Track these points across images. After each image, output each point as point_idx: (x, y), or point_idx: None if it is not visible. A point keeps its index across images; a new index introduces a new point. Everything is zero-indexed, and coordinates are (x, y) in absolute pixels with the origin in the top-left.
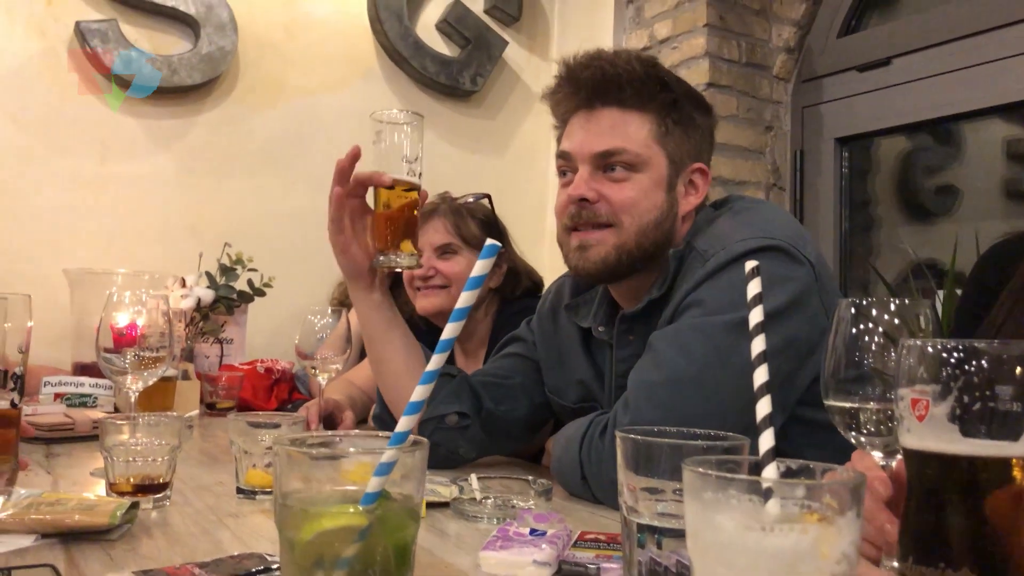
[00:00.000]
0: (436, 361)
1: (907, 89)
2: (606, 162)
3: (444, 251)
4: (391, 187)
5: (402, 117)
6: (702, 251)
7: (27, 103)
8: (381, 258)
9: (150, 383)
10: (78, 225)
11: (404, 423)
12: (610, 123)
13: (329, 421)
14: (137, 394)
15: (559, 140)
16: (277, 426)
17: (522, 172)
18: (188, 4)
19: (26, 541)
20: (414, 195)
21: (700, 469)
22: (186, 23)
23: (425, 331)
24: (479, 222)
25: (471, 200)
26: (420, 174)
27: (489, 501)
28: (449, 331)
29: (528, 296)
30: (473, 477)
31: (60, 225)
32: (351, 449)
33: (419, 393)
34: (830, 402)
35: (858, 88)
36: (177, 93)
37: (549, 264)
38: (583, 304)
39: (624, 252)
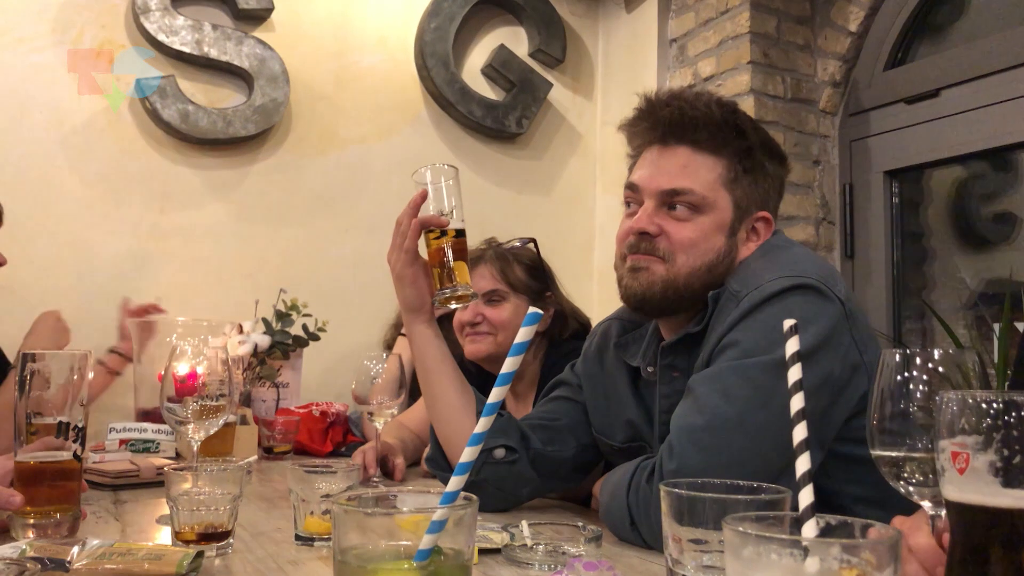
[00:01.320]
0: (496, 394)
1: (957, 120)
2: (671, 200)
3: (491, 298)
4: (445, 230)
5: (441, 173)
6: (735, 292)
7: (91, 158)
8: (447, 292)
9: (212, 432)
10: (140, 274)
11: (467, 453)
12: (681, 162)
13: (383, 465)
14: (199, 443)
15: (630, 170)
16: (334, 473)
17: (568, 211)
18: (242, 58)
19: None
20: (463, 238)
21: (740, 528)
22: (240, 76)
23: (475, 373)
24: (525, 267)
25: (517, 245)
26: (463, 219)
27: (540, 548)
28: (495, 395)
29: (576, 338)
30: (524, 524)
31: (123, 275)
32: (405, 508)
33: (481, 425)
34: (876, 452)
35: (907, 120)
36: (232, 144)
37: (598, 302)
38: (632, 343)
39: (670, 287)
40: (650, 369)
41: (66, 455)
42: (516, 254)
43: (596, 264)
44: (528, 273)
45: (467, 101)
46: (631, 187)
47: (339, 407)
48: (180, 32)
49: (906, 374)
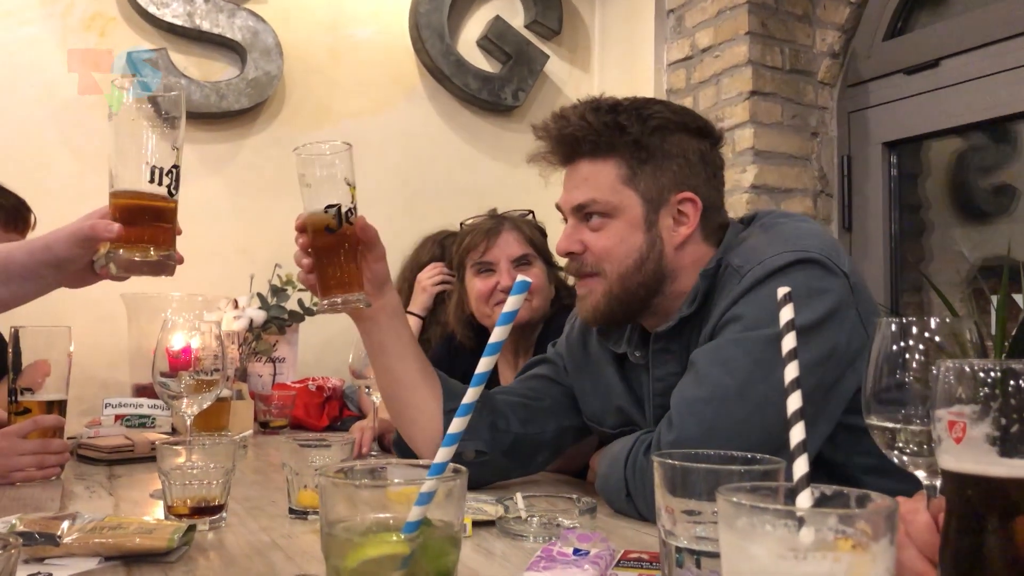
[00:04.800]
0: (472, 394)
1: (957, 91)
2: (583, 213)
3: (520, 262)
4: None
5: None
6: (737, 267)
7: (83, 131)
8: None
9: (204, 406)
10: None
11: (442, 454)
12: (583, 175)
13: (380, 441)
14: (192, 417)
15: None
16: (328, 446)
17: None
18: (235, 31)
19: (91, 564)
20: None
21: (734, 498)
22: (233, 49)
23: (474, 348)
24: (540, 232)
25: (523, 214)
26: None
27: (535, 519)
28: (484, 364)
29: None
30: (519, 496)
31: None
32: (394, 480)
33: (456, 425)
34: (871, 420)
35: (906, 91)
36: (226, 118)
37: None
38: (614, 330)
39: (612, 298)
40: (637, 354)
41: (161, 190)
42: (527, 220)
43: None
44: (543, 237)
45: (462, 74)
46: (559, 208)
47: (335, 382)
48: (171, 4)
49: (902, 343)
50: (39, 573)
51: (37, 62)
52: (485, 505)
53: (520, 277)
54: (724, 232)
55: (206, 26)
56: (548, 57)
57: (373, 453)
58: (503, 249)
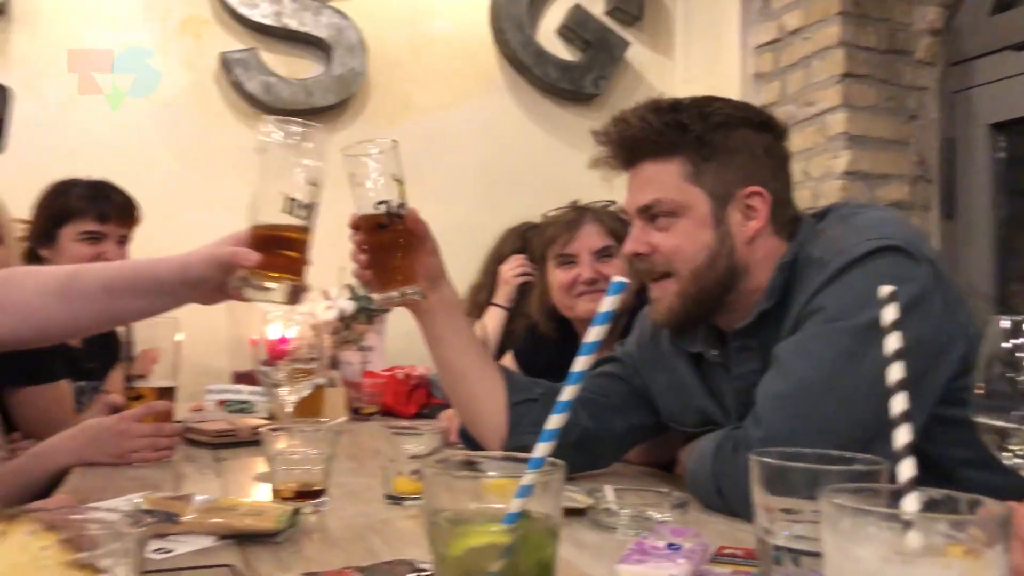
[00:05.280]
0: (570, 392)
1: None
2: (649, 214)
3: (603, 254)
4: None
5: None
6: (817, 258)
7: (181, 132)
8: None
9: (304, 394)
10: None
11: (542, 449)
12: (646, 177)
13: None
14: (293, 405)
15: None
16: (420, 435)
17: None
18: (320, 28)
19: (207, 541)
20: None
21: (838, 500)
22: (319, 47)
23: (557, 340)
24: (622, 223)
25: (605, 204)
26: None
27: (625, 512)
28: (580, 364)
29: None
30: (608, 488)
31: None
32: (495, 472)
33: (555, 422)
34: (980, 419)
35: (1015, 69)
36: (313, 114)
37: None
38: (688, 329)
39: (687, 298)
40: (714, 353)
41: (298, 223)
42: (609, 212)
43: None
44: (625, 229)
45: (542, 63)
46: (623, 212)
47: (422, 370)
48: (260, 4)
49: (1015, 341)
50: (161, 548)
51: (137, 66)
52: (575, 494)
53: (617, 279)
54: (796, 226)
55: (293, 24)
56: (629, 44)
57: (461, 440)
58: (584, 241)
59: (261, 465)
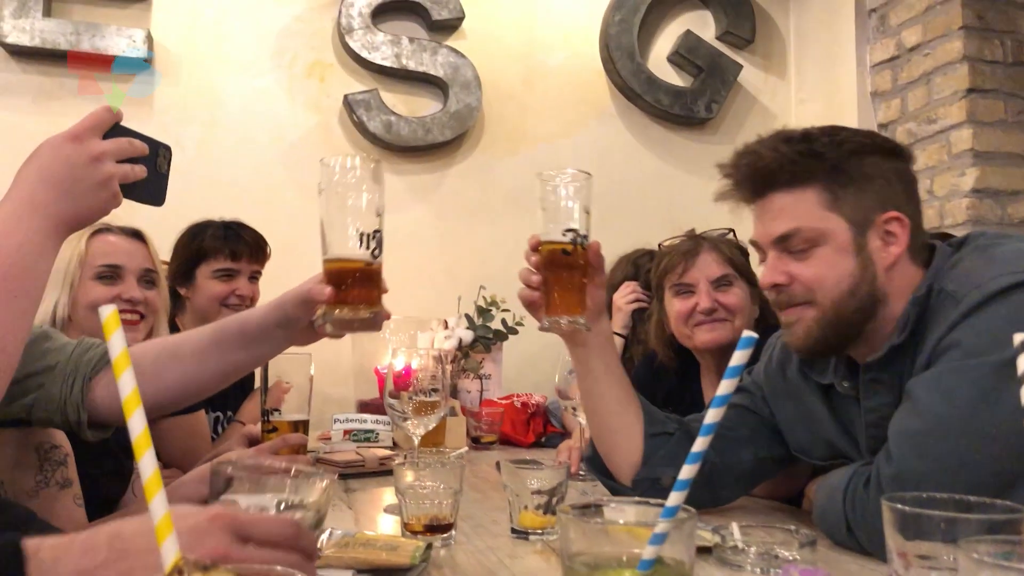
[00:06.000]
0: (700, 443)
1: None
2: (787, 244)
3: (721, 283)
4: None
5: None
6: (951, 292)
7: (308, 170)
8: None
9: (430, 427)
10: None
11: (675, 498)
12: (779, 206)
13: None
14: (419, 437)
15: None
16: (543, 469)
17: None
18: (437, 67)
19: (345, 575)
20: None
21: (976, 555)
22: (436, 85)
23: (676, 369)
24: (740, 251)
25: (723, 232)
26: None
27: (752, 550)
28: (711, 416)
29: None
30: (734, 526)
31: None
32: (629, 518)
33: (686, 472)
34: None
35: None
36: (431, 150)
37: None
38: (819, 360)
39: (826, 325)
40: (846, 384)
41: (366, 254)
42: (727, 240)
43: None
44: (744, 257)
45: (654, 90)
46: (753, 244)
47: (538, 398)
48: (381, 47)
49: None
50: None
51: (268, 109)
52: (702, 531)
53: (746, 333)
54: (930, 253)
55: (412, 65)
56: (741, 67)
57: (581, 473)
58: (702, 270)
59: (389, 495)
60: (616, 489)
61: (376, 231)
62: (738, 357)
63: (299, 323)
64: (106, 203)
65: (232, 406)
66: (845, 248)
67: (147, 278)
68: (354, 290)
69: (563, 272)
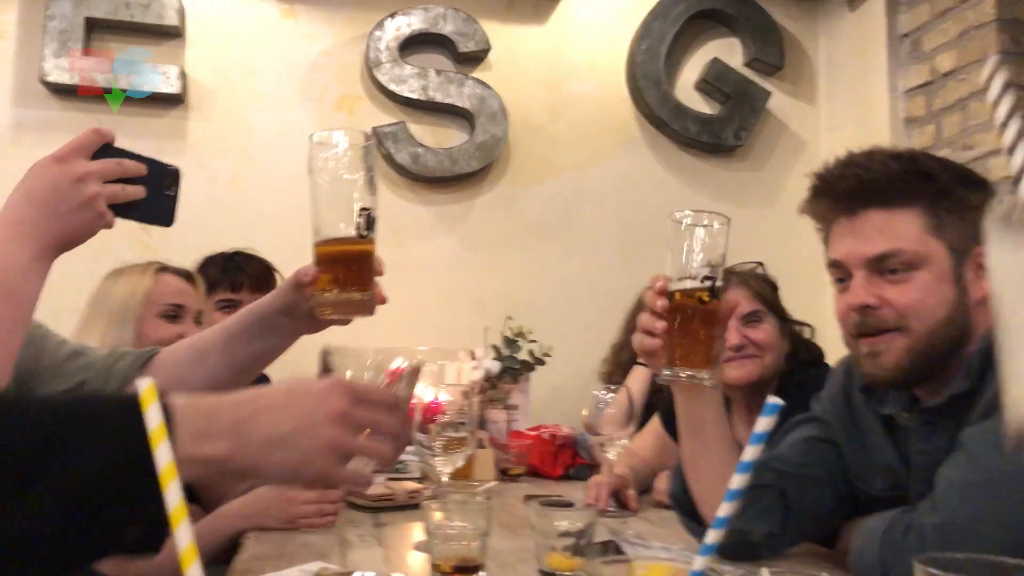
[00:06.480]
0: (739, 480)
1: None
2: (882, 265)
3: (750, 319)
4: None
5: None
6: None
7: None
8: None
9: (458, 465)
10: (383, 306)
11: (713, 536)
12: (878, 225)
13: (616, 497)
14: (448, 476)
15: (825, 245)
16: (572, 509)
17: (794, 222)
18: (464, 99)
19: None
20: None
21: None
22: (463, 116)
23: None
24: (770, 286)
25: (752, 267)
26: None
27: None
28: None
29: (807, 365)
30: (765, 571)
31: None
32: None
33: (725, 510)
34: None
35: None
36: (457, 180)
37: (831, 316)
38: (883, 390)
39: (917, 354)
40: (906, 415)
41: (352, 233)
42: (756, 274)
43: (827, 275)
44: (773, 291)
45: (681, 118)
46: (835, 264)
47: (567, 430)
48: (408, 80)
49: None
50: None
51: (299, 142)
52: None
53: (771, 399)
54: None
55: (439, 97)
56: (770, 94)
57: (611, 509)
58: (730, 306)
59: (418, 530)
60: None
61: (365, 209)
62: (763, 424)
63: (297, 309)
64: (91, 223)
65: None
66: (944, 275)
67: (198, 319)
68: (344, 271)
69: (694, 322)
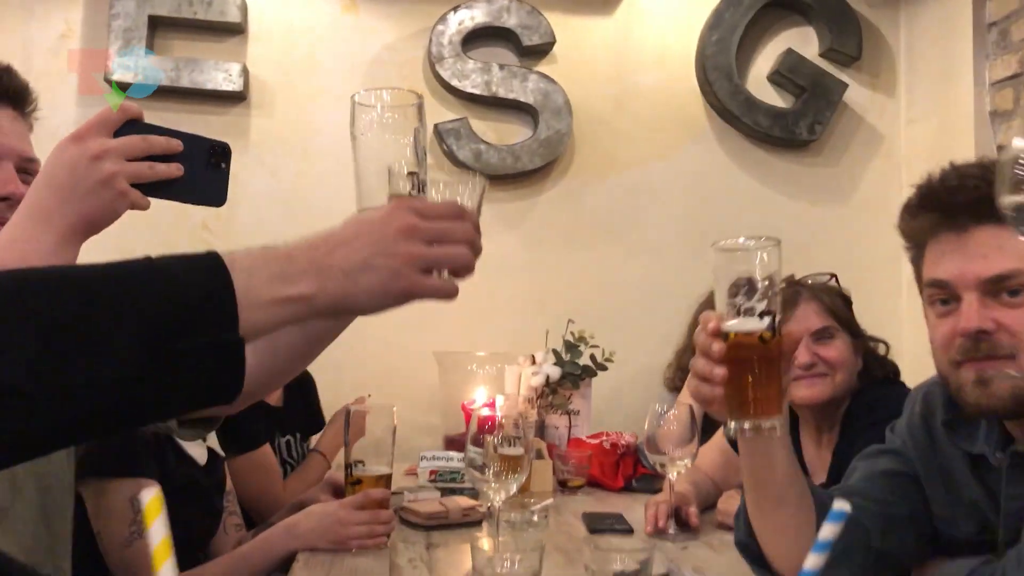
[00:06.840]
0: (813, 561)
1: None
2: (998, 287)
3: (821, 336)
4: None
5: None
6: None
7: None
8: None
9: (511, 492)
10: (442, 308)
11: (812, 560)
12: (995, 243)
13: (678, 516)
14: (501, 503)
15: (915, 263)
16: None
17: (871, 219)
18: (527, 94)
19: None
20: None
21: None
22: (526, 111)
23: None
24: (843, 300)
25: (825, 279)
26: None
27: None
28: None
29: (881, 384)
30: None
31: (427, 308)
32: None
33: (812, 562)
34: None
35: None
36: (520, 177)
37: (907, 318)
38: (963, 424)
39: None
40: (999, 455)
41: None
42: (828, 287)
43: (905, 276)
44: (847, 306)
45: (752, 112)
46: (938, 284)
47: (628, 438)
48: (471, 75)
49: None
50: None
51: None
52: None
53: (838, 506)
54: None
55: (502, 92)
56: (847, 85)
57: (670, 532)
58: (801, 322)
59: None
60: None
61: (412, 173)
62: (828, 531)
63: None
64: (112, 203)
65: (299, 427)
66: None
67: None
68: None
69: (756, 365)
